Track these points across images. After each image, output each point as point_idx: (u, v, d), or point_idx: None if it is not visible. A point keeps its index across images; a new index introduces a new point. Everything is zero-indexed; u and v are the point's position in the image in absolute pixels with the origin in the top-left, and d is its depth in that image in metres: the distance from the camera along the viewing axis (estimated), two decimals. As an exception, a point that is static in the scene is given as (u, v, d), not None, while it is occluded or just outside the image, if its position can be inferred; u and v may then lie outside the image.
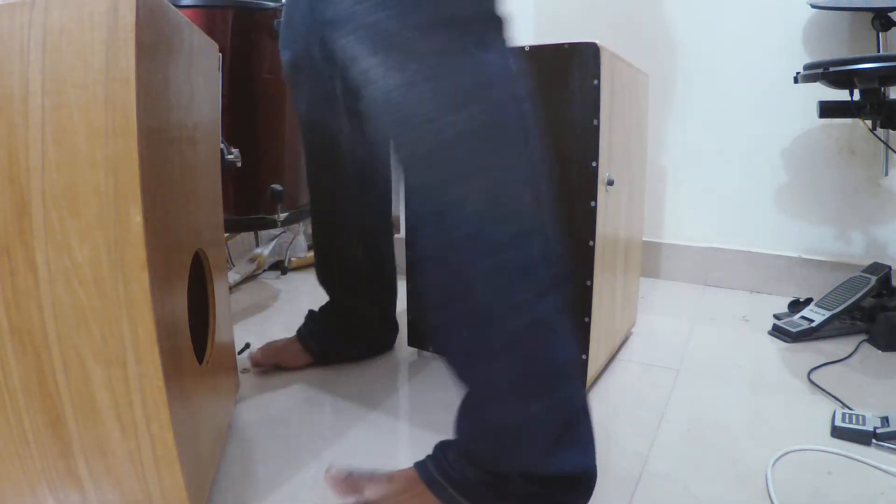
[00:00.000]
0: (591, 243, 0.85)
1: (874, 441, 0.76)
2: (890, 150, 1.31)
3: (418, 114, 0.52)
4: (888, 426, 0.76)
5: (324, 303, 1.05)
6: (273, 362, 0.99)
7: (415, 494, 0.61)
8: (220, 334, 0.77)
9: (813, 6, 1.28)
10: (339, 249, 0.99)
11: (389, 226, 1.02)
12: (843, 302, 1.14)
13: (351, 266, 1.00)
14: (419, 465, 0.63)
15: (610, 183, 0.86)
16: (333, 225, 0.98)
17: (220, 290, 0.78)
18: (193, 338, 0.63)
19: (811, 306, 1.18)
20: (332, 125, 0.91)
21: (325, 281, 1.03)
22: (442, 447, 0.63)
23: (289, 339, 1.02)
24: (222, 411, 0.75)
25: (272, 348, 1.00)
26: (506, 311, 0.54)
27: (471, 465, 0.59)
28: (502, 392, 0.57)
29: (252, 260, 1.63)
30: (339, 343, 1.03)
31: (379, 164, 0.98)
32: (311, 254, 1.70)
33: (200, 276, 0.73)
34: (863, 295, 1.14)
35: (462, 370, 0.59)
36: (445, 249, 0.55)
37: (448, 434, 0.62)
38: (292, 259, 1.69)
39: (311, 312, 1.05)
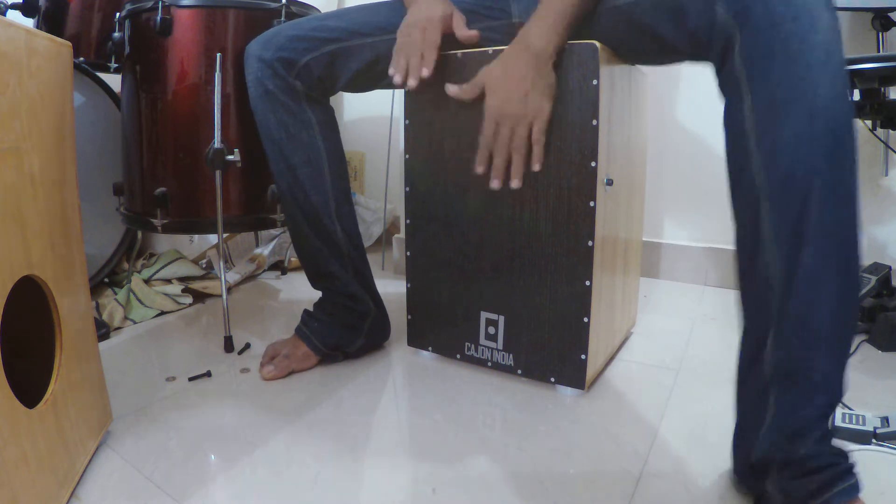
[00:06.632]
0: (590, 243, 0.85)
1: (874, 441, 0.76)
2: (890, 150, 1.31)
3: None
4: (888, 426, 0.76)
5: (317, 300, 1.06)
6: (287, 372, 0.99)
7: None
8: (78, 366, 0.70)
9: (813, 6, 1.28)
10: (326, 238, 1.00)
11: (351, 200, 1.04)
12: (843, 302, 1.13)
13: (339, 251, 1.01)
14: None
15: (609, 183, 0.87)
16: (317, 214, 0.99)
17: (73, 317, 0.70)
18: (33, 375, 0.58)
19: (811, 306, 1.18)
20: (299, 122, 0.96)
21: (321, 274, 1.03)
22: None
23: (292, 343, 1.02)
24: (70, 455, 0.66)
25: (282, 360, 0.99)
26: None
27: None
28: None
29: (252, 260, 1.63)
30: (343, 337, 1.03)
31: (339, 143, 1.02)
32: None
33: (43, 305, 0.66)
34: (863, 295, 1.14)
35: None
36: None
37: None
38: (292, 259, 1.69)
39: (307, 312, 1.05)
